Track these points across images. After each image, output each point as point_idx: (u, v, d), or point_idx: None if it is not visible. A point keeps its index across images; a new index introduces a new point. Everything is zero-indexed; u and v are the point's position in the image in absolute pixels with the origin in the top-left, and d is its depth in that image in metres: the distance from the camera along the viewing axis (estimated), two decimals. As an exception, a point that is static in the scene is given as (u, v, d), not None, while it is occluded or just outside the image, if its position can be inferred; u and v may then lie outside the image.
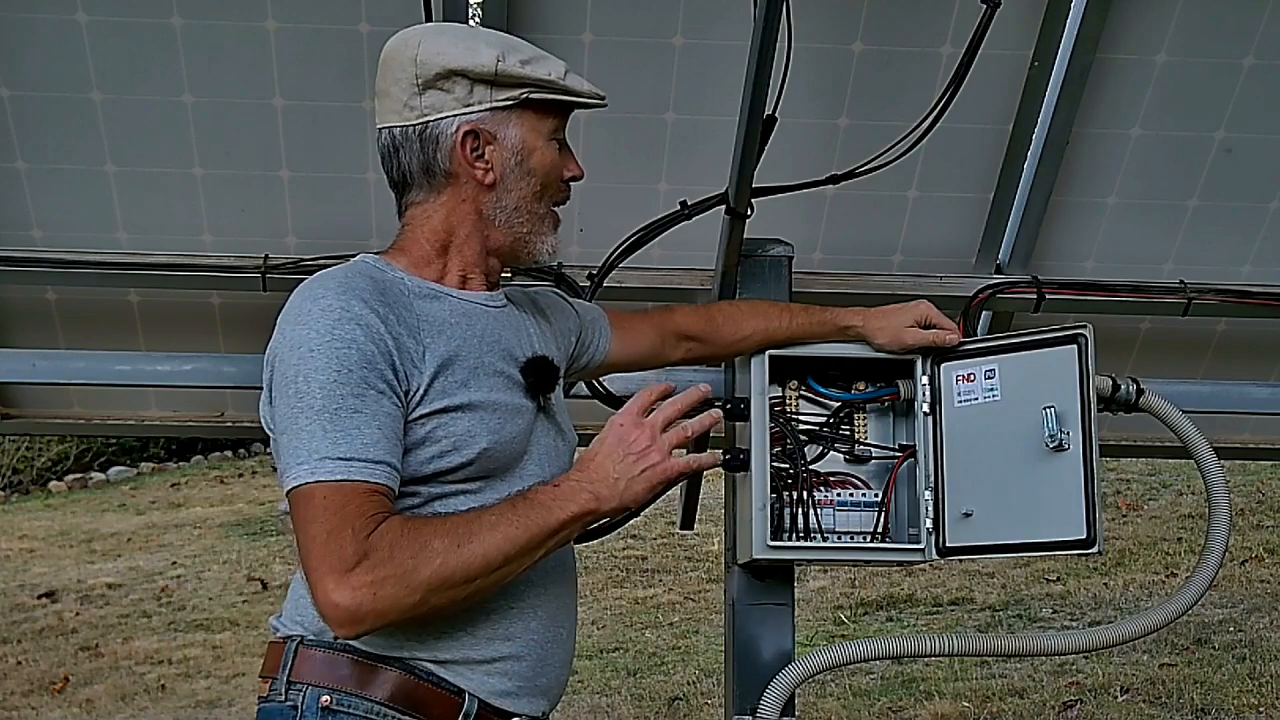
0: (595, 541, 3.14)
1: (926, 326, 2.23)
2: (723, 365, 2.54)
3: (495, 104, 1.70)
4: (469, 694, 1.63)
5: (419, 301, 1.66)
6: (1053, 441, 2.11)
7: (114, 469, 12.64)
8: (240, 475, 12.20)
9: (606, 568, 7.84)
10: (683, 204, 2.56)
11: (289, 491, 1.53)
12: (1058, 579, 6.76)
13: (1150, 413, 2.33)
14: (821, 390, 2.32)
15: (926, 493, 2.24)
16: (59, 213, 2.80)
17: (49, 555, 9.41)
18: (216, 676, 6.60)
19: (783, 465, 2.27)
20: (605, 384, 2.61)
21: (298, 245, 2.84)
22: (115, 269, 2.80)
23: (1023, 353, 2.20)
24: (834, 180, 2.58)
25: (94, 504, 11.40)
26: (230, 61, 2.63)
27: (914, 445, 2.27)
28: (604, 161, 2.65)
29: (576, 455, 1.80)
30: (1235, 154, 2.84)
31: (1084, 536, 2.09)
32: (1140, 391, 2.32)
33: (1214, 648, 5.58)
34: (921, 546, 2.23)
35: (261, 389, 1.66)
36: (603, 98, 1.78)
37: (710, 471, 2.42)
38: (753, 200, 2.47)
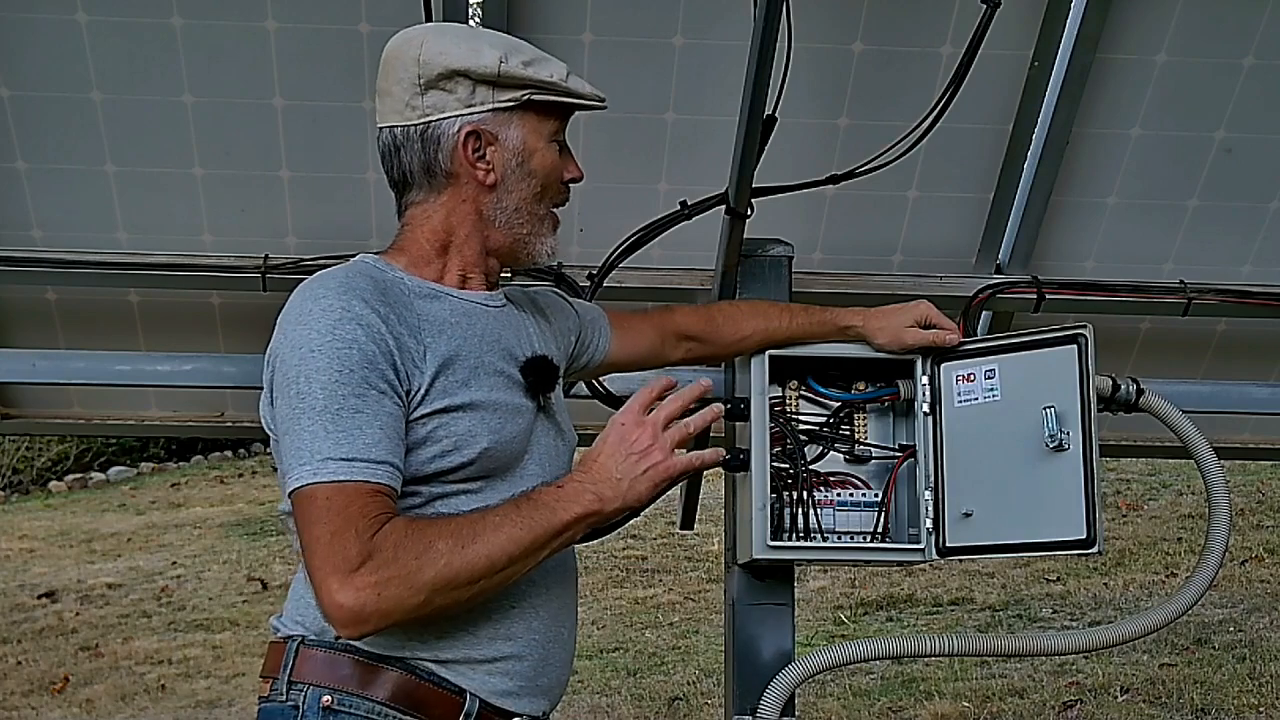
0: (595, 542, 3.14)
1: (926, 326, 2.23)
2: (723, 365, 2.54)
3: (497, 105, 1.70)
4: (470, 694, 1.63)
5: (419, 301, 1.66)
6: (1053, 441, 2.11)
7: (114, 469, 12.64)
8: (240, 475, 12.21)
9: (606, 568, 7.84)
10: (683, 204, 2.56)
11: (291, 492, 1.53)
12: (1058, 579, 6.76)
13: (1150, 413, 2.33)
14: (821, 390, 2.32)
15: (926, 493, 2.24)
16: (59, 213, 2.80)
17: (49, 555, 9.41)
18: (216, 676, 6.60)
19: (783, 465, 2.27)
20: (605, 384, 2.61)
21: (298, 245, 2.84)
22: (115, 269, 2.80)
23: (1023, 353, 2.20)
24: (834, 180, 2.58)
25: (94, 504, 11.40)
26: (230, 61, 2.63)
27: (914, 445, 2.27)
28: (604, 161, 2.65)
29: (577, 455, 1.80)
30: (1235, 154, 2.84)
31: (1084, 536, 2.09)
32: (1140, 391, 2.32)
33: (1214, 648, 5.58)
34: (921, 546, 2.23)
35: (261, 389, 1.66)
36: (603, 100, 1.78)
37: (710, 471, 2.42)
38: (753, 200, 2.47)
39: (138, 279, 2.84)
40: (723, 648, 2.86)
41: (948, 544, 2.22)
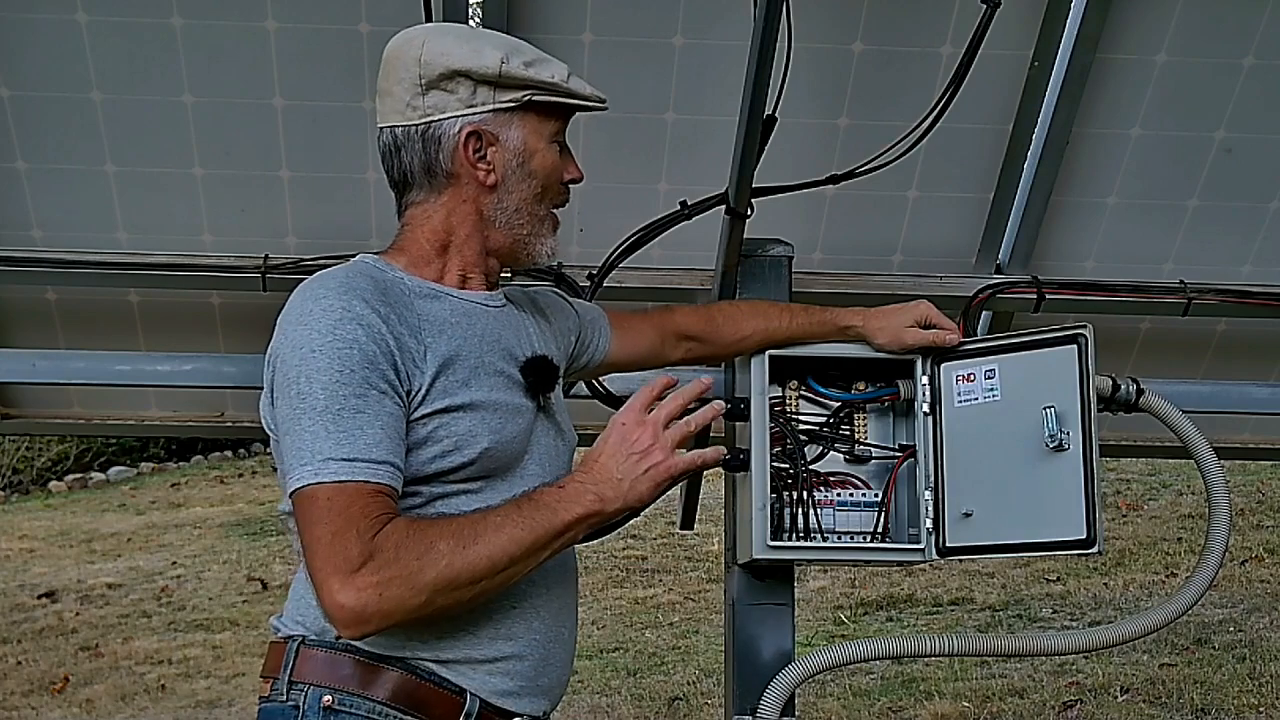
0: (595, 542, 3.14)
1: (926, 326, 2.23)
2: (723, 365, 2.54)
3: (498, 105, 1.70)
4: (470, 693, 1.63)
5: (419, 301, 1.66)
6: (1053, 441, 2.11)
7: (114, 469, 12.64)
8: (240, 475, 12.21)
9: (606, 568, 7.84)
10: (683, 204, 2.56)
11: (293, 493, 1.53)
12: (1058, 579, 6.76)
13: (1150, 413, 2.33)
14: (821, 390, 2.32)
15: (926, 493, 2.24)
16: (59, 213, 2.80)
17: (49, 555, 9.41)
18: (216, 676, 6.60)
19: (783, 465, 2.27)
20: (605, 384, 2.61)
21: (298, 245, 2.84)
22: (115, 269, 2.80)
23: (1023, 353, 2.20)
24: (834, 180, 2.58)
25: (94, 504, 11.40)
26: (230, 61, 2.63)
27: (914, 445, 2.27)
28: (604, 161, 2.65)
29: (577, 455, 1.80)
30: (1235, 154, 2.84)
31: (1084, 536, 2.09)
32: (1140, 391, 2.32)
33: (1214, 648, 5.58)
34: (921, 546, 2.23)
35: (261, 389, 1.66)
36: (604, 101, 1.78)
37: (710, 471, 2.42)
38: (753, 200, 2.47)
39: (138, 279, 2.84)
40: (723, 648, 2.86)
41: (948, 544, 2.22)
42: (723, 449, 1.68)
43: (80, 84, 2.64)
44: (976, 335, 2.62)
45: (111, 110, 2.68)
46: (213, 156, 2.74)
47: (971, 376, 2.24)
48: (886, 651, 2.35)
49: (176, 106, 2.67)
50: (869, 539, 2.27)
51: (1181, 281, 2.91)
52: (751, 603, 2.47)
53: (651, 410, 1.60)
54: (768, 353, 2.26)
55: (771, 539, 2.23)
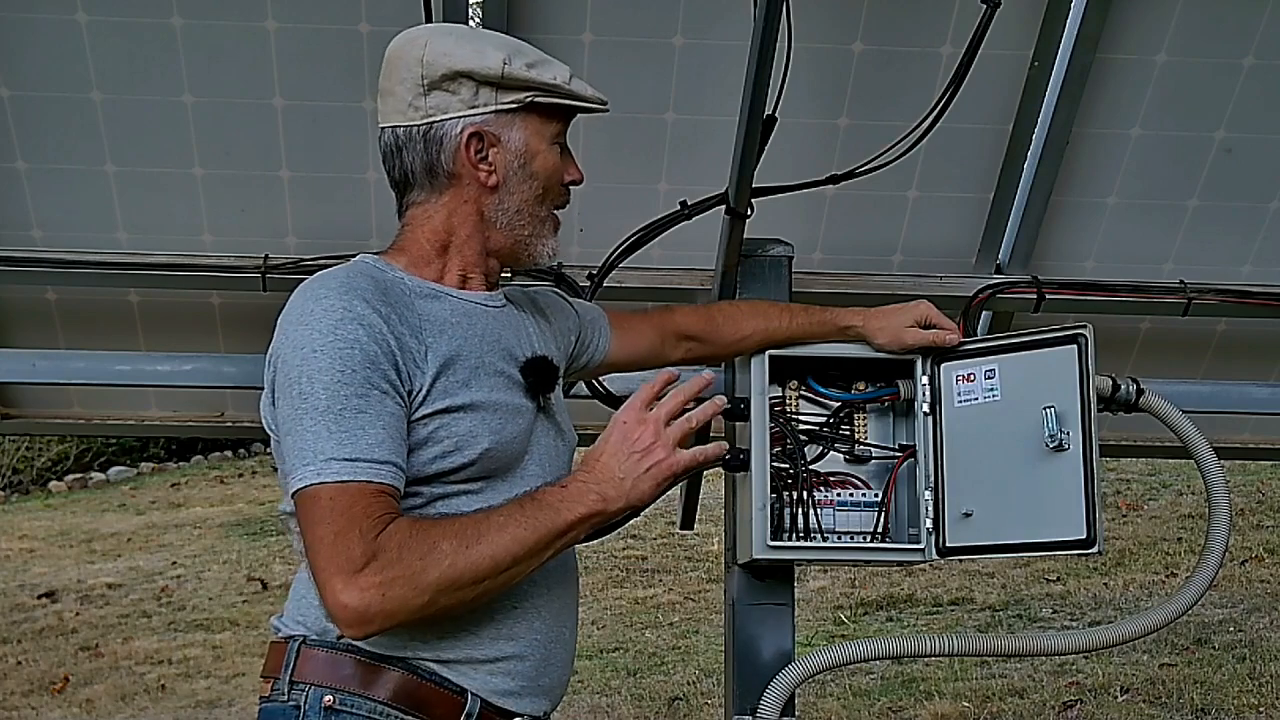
0: (595, 542, 3.14)
1: (926, 326, 2.23)
2: (723, 365, 2.54)
3: (500, 106, 1.70)
4: (471, 693, 1.63)
5: (420, 301, 1.66)
6: (1053, 441, 2.11)
7: (114, 469, 12.63)
8: (240, 475, 12.20)
9: (606, 568, 7.84)
10: (683, 204, 2.56)
11: (295, 493, 1.53)
12: (1058, 579, 6.76)
13: (1150, 413, 2.33)
14: (821, 390, 2.32)
15: (926, 493, 2.24)
16: (59, 213, 2.80)
17: (49, 555, 9.41)
18: (216, 676, 6.60)
19: (783, 465, 2.27)
20: (605, 384, 2.61)
21: (298, 245, 2.84)
22: (115, 269, 2.80)
23: (1023, 353, 2.20)
24: (834, 180, 2.58)
25: (94, 504, 11.40)
26: (230, 61, 2.63)
27: (914, 445, 2.27)
28: (604, 161, 2.65)
29: (577, 456, 1.80)
30: (1235, 154, 2.84)
31: (1084, 536, 2.09)
32: (1140, 391, 2.32)
33: (1214, 648, 5.58)
34: (921, 546, 2.23)
35: (261, 389, 1.66)
36: (605, 103, 1.78)
37: (710, 471, 2.43)
38: (753, 200, 2.47)
39: (138, 279, 2.84)
40: (723, 648, 2.86)
41: (948, 544, 2.22)
42: (724, 445, 1.67)
43: (80, 84, 2.64)
44: (976, 335, 2.62)
45: (111, 110, 2.68)
46: (213, 156, 2.74)
47: (971, 376, 2.24)
48: (886, 651, 2.35)
49: (176, 106, 2.67)
50: (869, 539, 2.27)
51: (1181, 281, 2.91)
52: (751, 603, 2.47)
53: (652, 408, 1.60)
54: (768, 353, 2.26)
55: (771, 539, 2.23)
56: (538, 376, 1.73)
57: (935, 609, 6.63)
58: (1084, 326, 2.16)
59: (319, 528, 1.50)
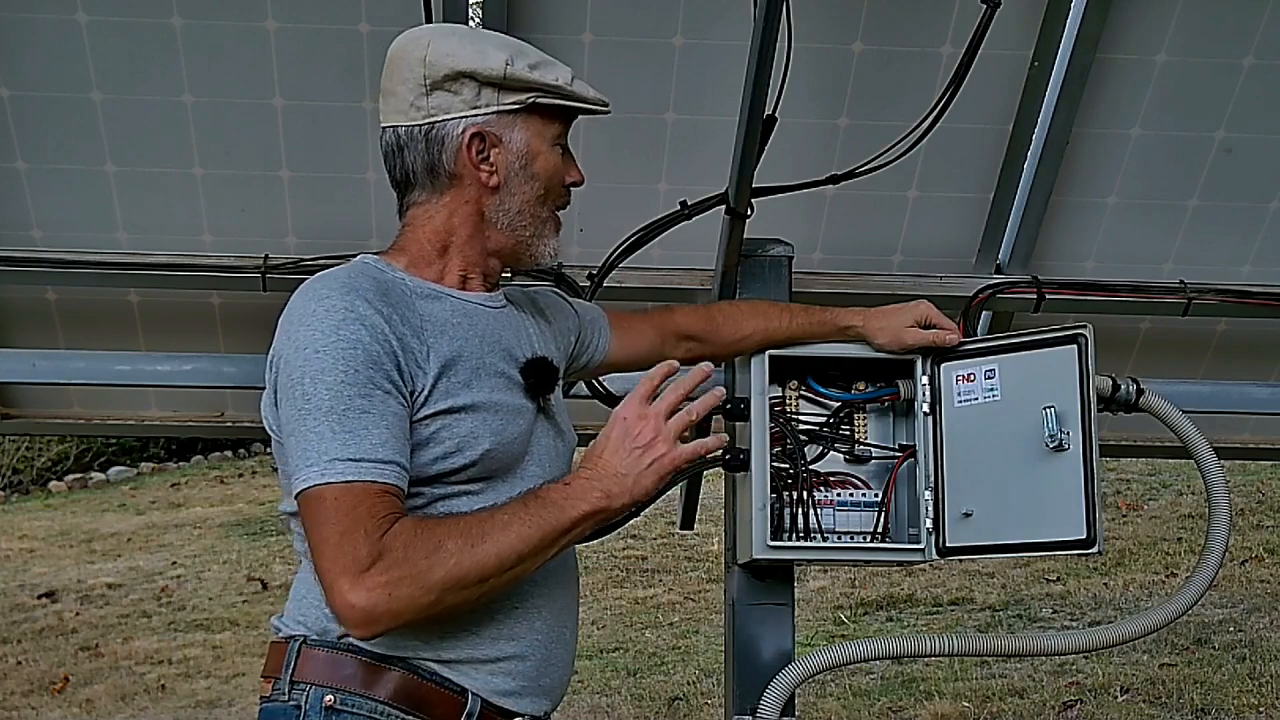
0: (595, 542, 3.15)
1: (926, 326, 2.23)
2: (723, 365, 2.54)
3: (502, 107, 1.70)
4: (472, 693, 1.63)
5: (420, 302, 1.66)
6: (1053, 441, 2.11)
7: (114, 469, 12.63)
8: (240, 475, 12.20)
9: (606, 568, 7.84)
10: (683, 204, 2.56)
11: (299, 494, 1.53)
12: (1058, 579, 6.76)
13: (1150, 413, 2.33)
14: (821, 390, 2.32)
15: (926, 493, 2.24)
16: (59, 213, 2.80)
17: (49, 555, 9.41)
18: (216, 676, 6.60)
19: (783, 465, 2.27)
20: (605, 384, 2.61)
21: (298, 245, 2.84)
22: (115, 269, 2.80)
23: (1023, 353, 2.20)
24: (834, 180, 2.58)
25: (94, 504, 11.39)
26: (230, 61, 2.63)
27: (914, 445, 2.27)
28: (604, 161, 2.65)
29: (576, 456, 1.80)
30: (1235, 154, 2.84)
31: (1084, 536, 2.09)
32: (1140, 391, 2.32)
33: (1214, 648, 5.58)
34: (921, 546, 2.23)
35: (262, 389, 1.66)
36: (607, 104, 1.78)
37: (710, 471, 2.43)
38: (753, 200, 2.47)
39: (138, 279, 2.84)
40: (723, 648, 2.86)
41: (948, 544, 2.22)
42: (724, 436, 1.68)
43: (80, 84, 2.64)
44: (976, 335, 2.62)
45: (111, 110, 2.68)
46: (213, 156, 2.75)
47: (971, 376, 2.24)
48: (886, 651, 2.35)
49: (176, 106, 2.68)
50: (869, 539, 2.27)
51: (1181, 281, 2.91)
52: (751, 603, 2.47)
53: (652, 403, 1.61)
54: (768, 353, 2.26)
55: (771, 539, 2.23)
56: (538, 377, 1.73)
57: (935, 609, 6.63)
58: (1084, 326, 2.16)
59: (324, 528, 1.50)
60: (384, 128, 1.74)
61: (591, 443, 1.62)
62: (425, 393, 1.60)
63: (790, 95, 2.35)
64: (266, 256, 2.79)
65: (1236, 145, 2.83)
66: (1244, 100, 2.76)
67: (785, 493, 2.26)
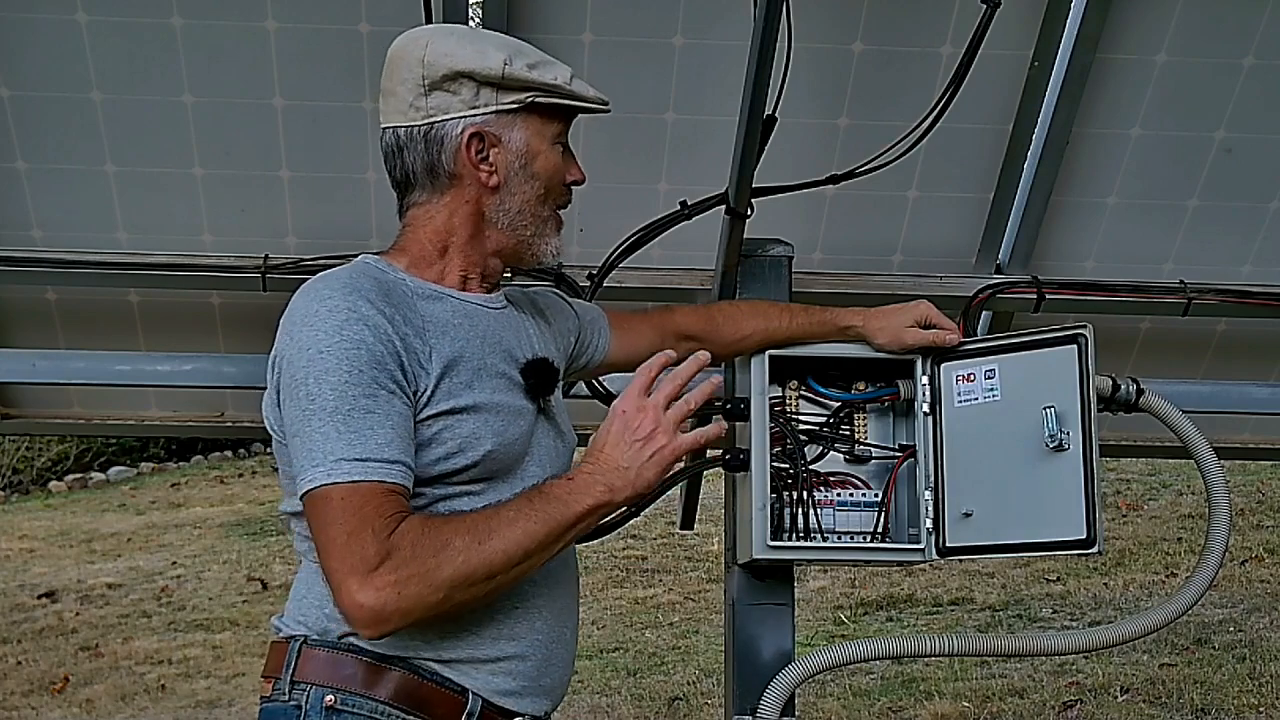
0: (595, 541, 3.15)
1: (926, 326, 2.23)
2: (723, 365, 2.54)
3: (501, 107, 1.70)
4: (473, 693, 1.63)
5: (422, 303, 1.66)
6: (1053, 441, 2.11)
7: (114, 469, 12.63)
8: (240, 475, 12.20)
9: (606, 568, 7.84)
10: (683, 204, 2.56)
11: (305, 494, 1.53)
12: (1058, 579, 6.76)
13: (1150, 413, 2.33)
14: (821, 390, 2.32)
15: (926, 493, 2.24)
16: (59, 213, 2.80)
17: (49, 555, 9.41)
18: (216, 676, 6.60)
19: (783, 465, 2.27)
20: (604, 384, 2.61)
21: (298, 245, 2.84)
22: (115, 269, 2.80)
23: (1023, 353, 2.20)
24: (834, 180, 2.58)
25: (94, 504, 11.39)
26: (230, 61, 2.63)
27: (914, 445, 2.27)
28: (604, 161, 2.65)
29: (576, 456, 1.81)
30: (1235, 154, 2.84)
31: (1084, 536, 2.09)
32: (1140, 391, 2.32)
33: (1214, 648, 5.58)
34: (921, 546, 2.24)
35: (262, 389, 1.66)
36: (607, 103, 1.78)
37: (710, 471, 2.43)
38: (753, 200, 2.47)
39: (138, 279, 2.84)
40: (723, 648, 2.86)
41: (948, 544, 2.22)
42: (724, 424, 1.68)
43: (80, 84, 2.64)
44: (976, 335, 2.62)
45: (111, 110, 2.68)
46: (213, 156, 2.74)
47: (971, 376, 2.24)
48: (886, 651, 2.35)
49: (176, 106, 2.67)
50: (869, 539, 2.27)
51: (1181, 281, 2.91)
52: (751, 603, 2.47)
53: (650, 394, 1.61)
54: (768, 353, 2.26)
55: (771, 539, 2.23)
56: (538, 378, 1.73)
57: (935, 609, 6.63)
58: (1084, 326, 2.16)
59: (331, 529, 1.50)
60: (384, 128, 1.74)
61: (592, 437, 1.62)
62: (428, 393, 1.60)
63: (790, 95, 2.35)
64: (266, 256, 2.79)
65: (1236, 145, 2.83)
66: (1244, 100, 2.76)
67: (785, 493, 2.26)
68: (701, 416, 1.97)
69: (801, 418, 2.32)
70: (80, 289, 2.90)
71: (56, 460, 12.50)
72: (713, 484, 4.34)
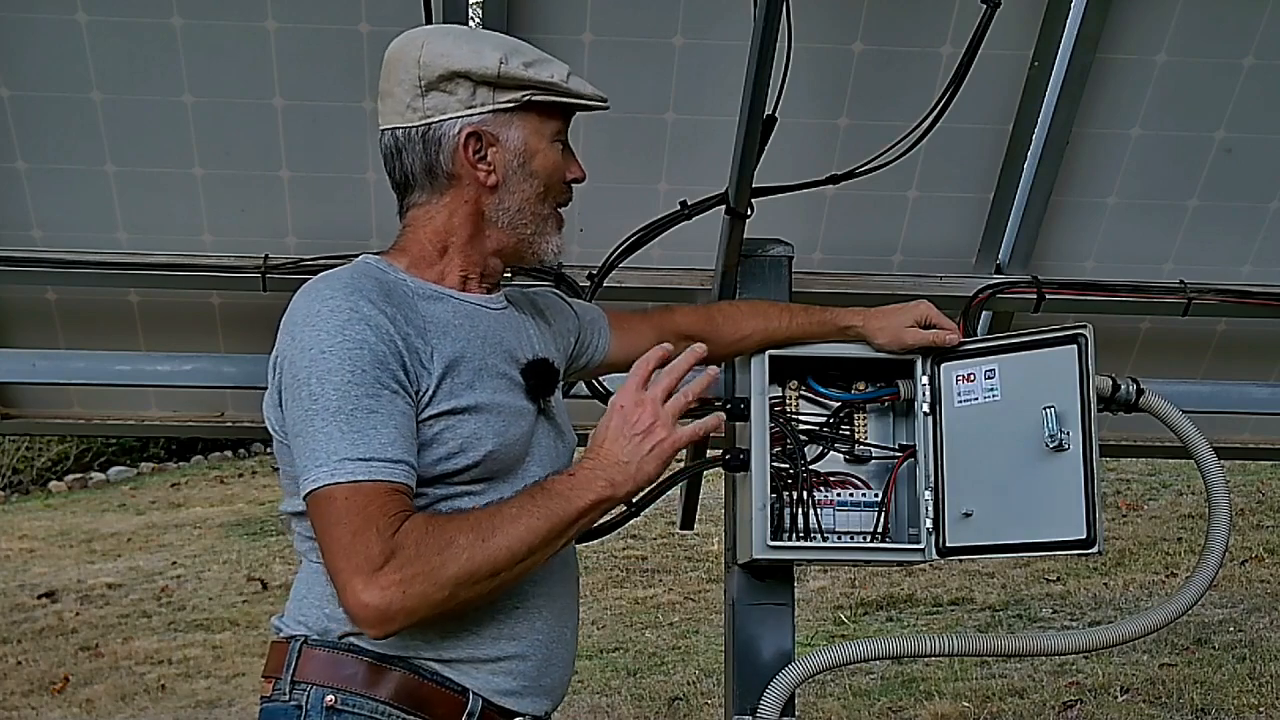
0: (595, 541, 3.15)
1: (926, 326, 2.23)
2: (723, 365, 2.54)
3: (498, 106, 1.70)
4: (473, 693, 1.63)
5: (422, 303, 1.67)
6: (1053, 441, 2.11)
7: (114, 469, 12.63)
8: (240, 475, 12.20)
9: (606, 568, 7.84)
10: (683, 204, 2.56)
11: (308, 494, 1.53)
12: (1058, 579, 6.76)
13: (1150, 413, 2.33)
14: (821, 390, 2.32)
15: (926, 493, 2.24)
16: (59, 213, 2.80)
17: (49, 555, 9.41)
18: (216, 676, 6.60)
19: (783, 465, 2.27)
20: (604, 384, 2.61)
21: (298, 245, 2.84)
22: (115, 269, 2.80)
23: (1023, 353, 2.20)
24: (834, 180, 2.58)
25: (94, 504, 11.39)
26: (230, 61, 2.63)
27: (914, 445, 2.27)
28: (604, 161, 2.65)
29: (577, 455, 1.81)
30: (1235, 154, 2.84)
31: (1084, 536, 2.09)
32: (1140, 391, 2.32)
33: (1214, 648, 5.58)
34: (921, 546, 2.24)
35: (263, 389, 1.66)
36: (605, 100, 1.78)
37: (710, 471, 2.43)
38: (753, 200, 2.47)
39: (138, 279, 2.84)
40: (723, 648, 2.86)
41: (948, 544, 2.22)
42: (722, 415, 1.68)
43: (80, 84, 2.64)
44: (976, 335, 2.62)
45: (111, 110, 2.68)
46: (213, 156, 2.75)
47: (971, 376, 2.24)
48: (886, 651, 2.35)
49: (176, 106, 2.68)
50: (869, 539, 2.27)
51: (1181, 281, 2.91)
52: (751, 603, 2.47)
53: (648, 388, 1.61)
54: (768, 353, 2.26)
55: (771, 539, 2.23)
56: (538, 379, 1.73)
57: (935, 609, 6.63)
58: (1084, 326, 2.16)
59: (336, 528, 1.50)
60: (382, 130, 1.74)
61: (591, 433, 1.62)
62: (429, 393, 1.60)
63: (790, 95, 2.35)
64: (266, 256, 2.79)
65: (1236, 145, 2.83)
66: (1244, 100, 2.76)
67: (785, 493, 2.26)
68: (700, 414, 1.96)
69: (801, 418, 2.32)
70: (80, 289, 2.90)
71: (56, 460, 12.50)
72: (713, 484, 4.33)
